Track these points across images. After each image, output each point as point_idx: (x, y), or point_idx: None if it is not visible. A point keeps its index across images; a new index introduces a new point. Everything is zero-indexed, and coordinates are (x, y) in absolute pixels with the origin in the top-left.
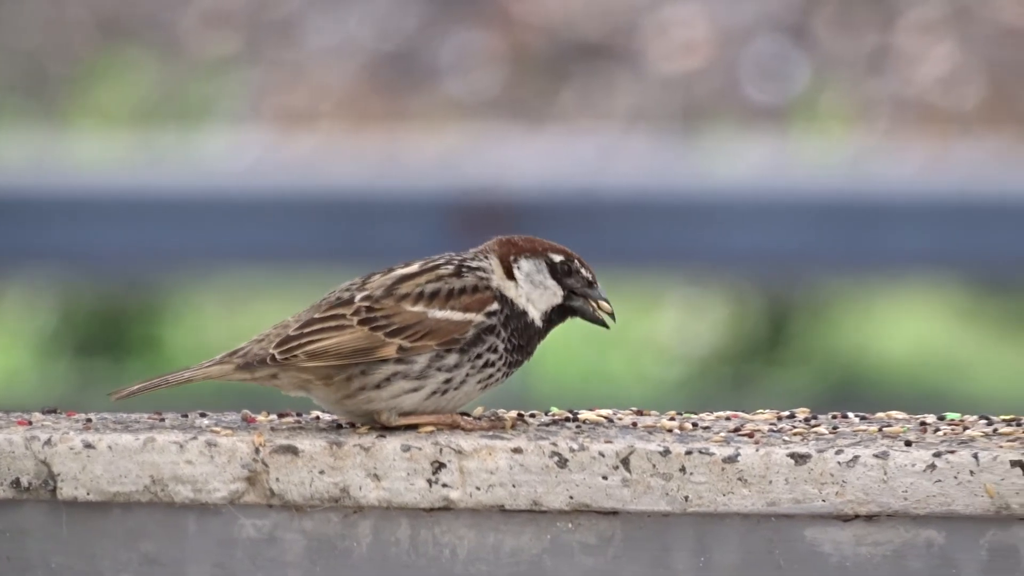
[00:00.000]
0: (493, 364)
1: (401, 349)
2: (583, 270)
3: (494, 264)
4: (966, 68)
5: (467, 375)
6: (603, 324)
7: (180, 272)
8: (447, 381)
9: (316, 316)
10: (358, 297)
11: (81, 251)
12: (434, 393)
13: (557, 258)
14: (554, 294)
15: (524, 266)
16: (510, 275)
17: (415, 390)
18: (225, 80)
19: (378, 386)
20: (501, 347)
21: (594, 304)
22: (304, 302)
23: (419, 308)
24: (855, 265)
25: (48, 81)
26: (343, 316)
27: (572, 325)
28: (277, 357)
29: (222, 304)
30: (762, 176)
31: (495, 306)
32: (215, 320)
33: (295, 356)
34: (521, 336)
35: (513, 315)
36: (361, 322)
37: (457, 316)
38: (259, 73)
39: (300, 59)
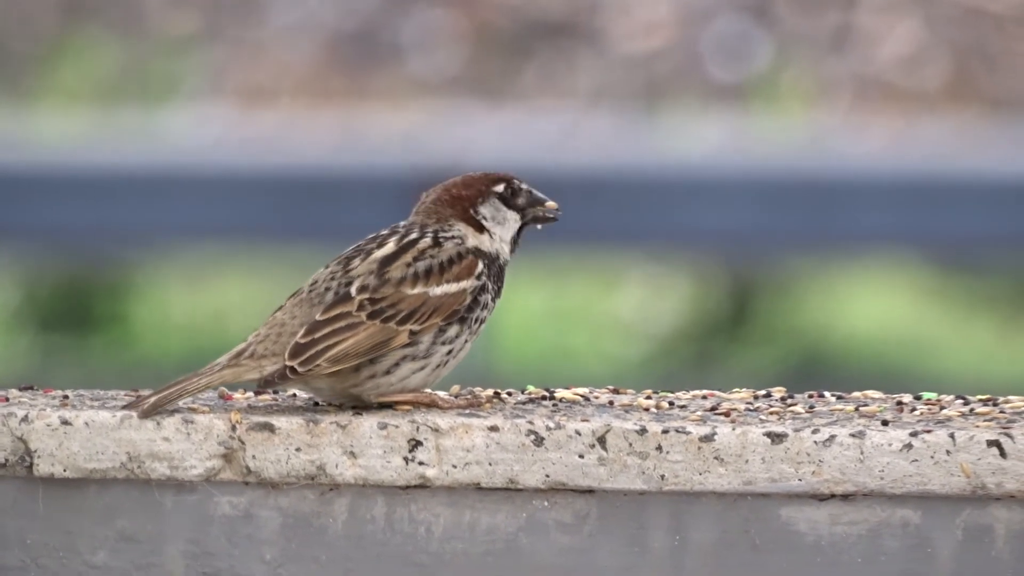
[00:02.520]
0: (484, 321)
1: (412, 334)
2: (521, 184)
3: (461, 227)
4: (928, 47)
5: (466, 341)
6: (552, 220)
7: (143, 248)
8: (449, 352)
9: (319, 319)
10: (354, 290)
11: (45, 228)
12: (438, 367)
13: (500, 188)
14: (514, 221)
15: (485, 213)
16: (480, 229)
17: (421, 368)
18: (187, 58)
19: (388, 372)
20: (491, 301)
21: (541, 211)
22: (267, 278)
23: (419, 289)
24: (817, 243)
25: (11, 60)
26: (349, 314)
27: (532, 304)
28: (299, 369)
29: (185, 280)
30: (724, 154)
31: (480, 266)
32: (178, 296)
33: (317, 365)
34: (499, 279)
35: (491, 264)
36: (371, 316)
37: (454, 288)
38: (221, 51)
39: (262, 37)
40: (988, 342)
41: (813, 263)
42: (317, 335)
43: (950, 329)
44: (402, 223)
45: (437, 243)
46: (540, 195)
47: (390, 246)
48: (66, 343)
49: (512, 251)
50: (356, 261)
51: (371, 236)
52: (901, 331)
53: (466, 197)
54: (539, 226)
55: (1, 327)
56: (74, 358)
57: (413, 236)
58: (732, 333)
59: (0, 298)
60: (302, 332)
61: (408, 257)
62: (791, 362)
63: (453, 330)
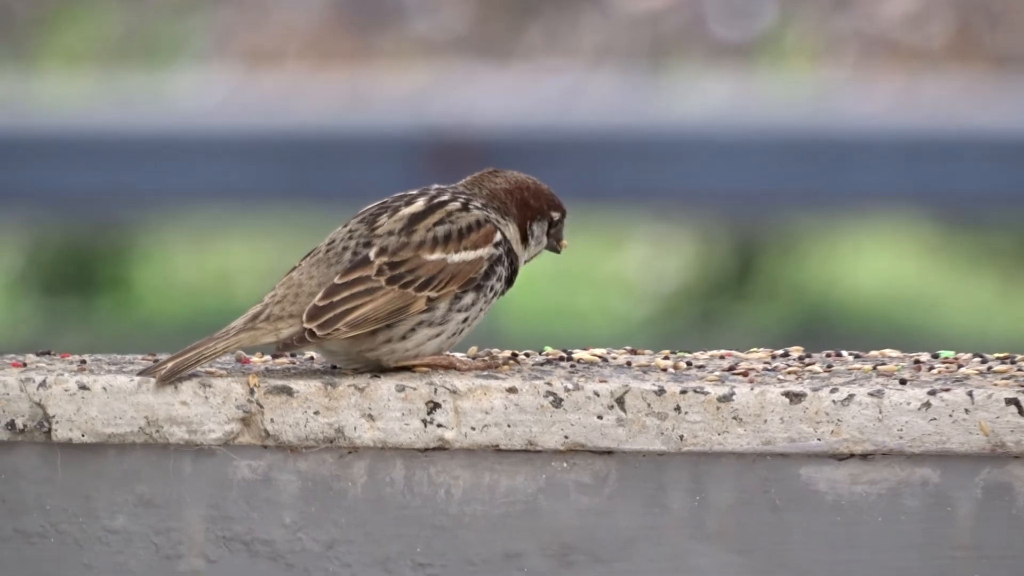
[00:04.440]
0: (498, 293)
1: (429, 300)
2: (564, 221)
3: (512, 228)
4: (932, 4)
5: (480, 310)
6: (554, 250)
7: (147, 211)
8: (464, 320)
9: (338, 282)
10: (373, 254)
11: (49, 191)
12: (453, 334)
13: (556, 216)
14: (542, 246)
15: (535, 230)
16: (524, 240)
17: (437, 335)
18: (192, 20)
19: (403, 337)
20: (504, 274)
21: (556, 244)
22: (272, 240)
23: (438, 255)
24: (822, 201)
25: (15, 23)
26: (369, 278)
27: (536, 263)
28: (317, 333)
29: (190, 243)
30: (729, 113)
31: (499, 236)
32: (183, 259)
33: (336, 329)
34: (512, 266)
35: (510, 253)
36: (389, 281)
37: (471, 256)
38: (226, 13)
39: None
40: (990, 299)
41: (818, 221)
42: (336, 299)
43: (953, 286)
44: (434, 186)
45: (466, 209)
46: (562, 233)
47: (419, 204)
48: (71, 307)
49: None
50: (383, 218)
51: (399, 194)
52: (905, 288)
53: (533, 207)
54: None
55: (6, 291)
56: (79, 322)
57: (443, 198)
58: (737, 291)
59: (4, 262)
60: (320, 295)
61: (435, 218)
62: (796, 320)
63: (469, 298)
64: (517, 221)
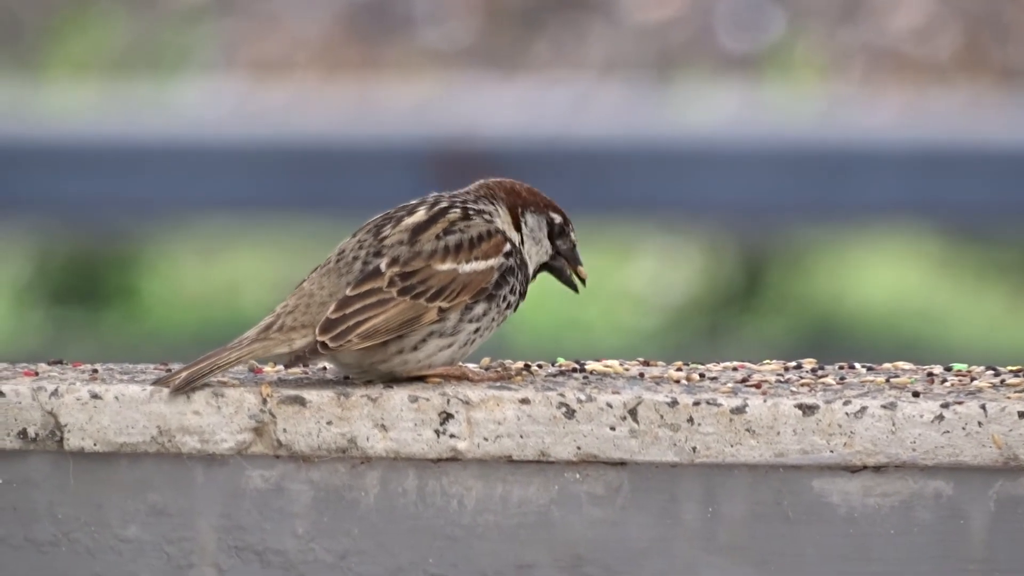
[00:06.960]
0: (511, 305)
1: (441, 311)
2: (572, 233)
3: (503, 212)
4: (940, 17)
5: (492, 320)
6: (574, 288)
7: (155, 221)
8: (476, 331)
9: (350, 294)
10: (384, 265)
11: (56, 201)
12: (465, 344)
13: (557, 219)
14: (546, 252)
15: (529, 221)
16: (517, 227)
17: (448, 346)
18: (199, 29)
19: (415, 348)
20: (518, 286)
21: (571, 269)
22: (279, 250)
23: (449, 265)
24: (830, 214)
25: (22, 31)
26: (380, 290)
27: (544, 275)
28: (330, 345)
29: (197, 253)
30: (736, 125)
31: (508, 247)
32: (190, 269)
33: (348, 341)
34: (524, 281)
35: (517, 254)
36: (401, 292)
37: (482, 265)
38: (233, 22)
39: (274, 8)
40: (998, 312)
41: (825, 233)
42: (348, 311)
43: (960, 299)
44: (432, 194)
45: (466, 216)
46: (579, 256)
47: (420, 214)
48: (78, 316)
49: (532, 279)
50: (387, 228)
51: (400, 205)
52: (912, 301)
53: (525, 198)
54: (555, 277)
55: (13, 300)
56: (86, 332)
57: (443, 205)
58: (745, 304)
59: (12, 271)
60: (333, 307)
61: (439, 228)
62: (804, 332)
63: (480, 308)
64: (506, 204)
